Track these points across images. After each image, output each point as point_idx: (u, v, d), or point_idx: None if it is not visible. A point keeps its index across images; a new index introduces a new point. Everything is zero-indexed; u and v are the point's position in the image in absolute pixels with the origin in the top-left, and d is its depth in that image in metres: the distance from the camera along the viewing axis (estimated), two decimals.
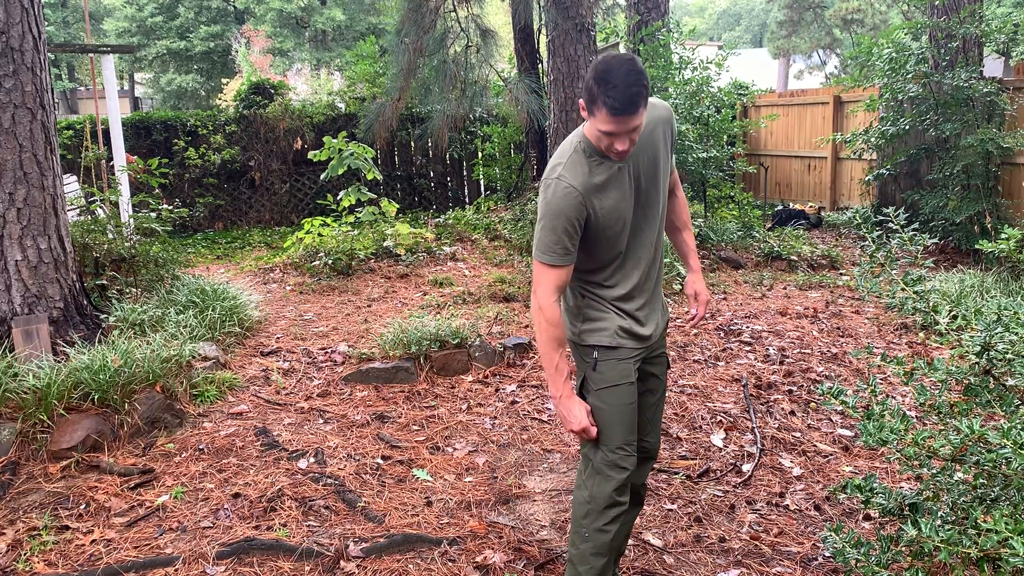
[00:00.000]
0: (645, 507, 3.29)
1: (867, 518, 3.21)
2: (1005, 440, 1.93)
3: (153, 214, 6.41)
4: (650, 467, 2.68)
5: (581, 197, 2.22)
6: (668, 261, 6.85)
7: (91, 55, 9.19)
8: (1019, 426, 1.96)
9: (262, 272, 7.96)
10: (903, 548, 2.06)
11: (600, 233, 2.30)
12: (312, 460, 3.74)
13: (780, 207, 11.23)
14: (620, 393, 2.37)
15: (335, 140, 8.61)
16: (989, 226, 6.98)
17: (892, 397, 4.38)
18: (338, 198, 8.61)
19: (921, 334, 5.52)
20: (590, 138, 2.23)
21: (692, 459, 3.78)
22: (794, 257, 8.02)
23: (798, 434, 4.02)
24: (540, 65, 10.94)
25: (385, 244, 8.11)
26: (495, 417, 4.28)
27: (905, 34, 8.88)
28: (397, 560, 2.92)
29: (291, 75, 21.16)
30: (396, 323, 5.12)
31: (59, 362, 4.06)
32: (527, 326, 5.68)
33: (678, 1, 52.47)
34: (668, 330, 5.62)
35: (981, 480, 2.14)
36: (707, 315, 6.09)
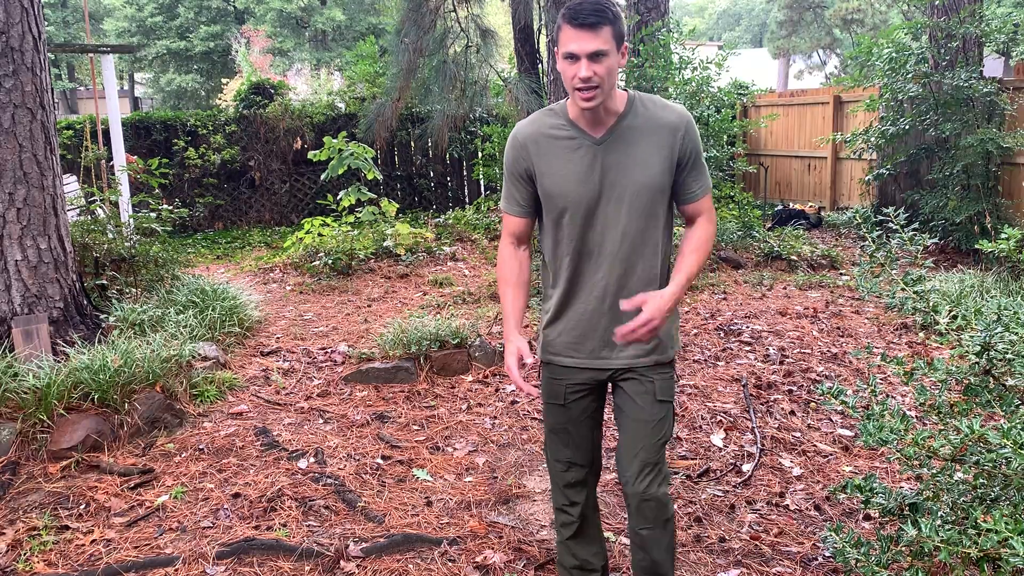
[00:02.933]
0: None
1: (867, 518, 3.21)
2: (1005, 440, 1.93)
3: (153, 214, 6.42)
4: (636, 495, 2.23)
5: (518, 144, 2.19)
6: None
7: (91, 55, 9.18)
8: (1019, 426, 1.96)
9: (262, 272, 7.96)
10: (903, 548, 2.06)
11: (545, 202, 2.21)
12: (312, 460, 3.75)
13: (780, 207, 11.23)
14: (550, 411, 2.35)
15: (335, 140, 8.62)
16: (989, 226, 6.98)
17: (892, 397, 4.38)
18: (338, 198, 8.60)
19: (921, 334, 5.52)
20: (568, 94, 2.10)
21: (692, 459, 3.78)
22: (794, 257, 8.01)
23: (798, 434, 4.02)
24: (540, 65, 10.93)
25: (385, 244, 8.11)
26: (495, 417, 4.28)
27: (905, 34, 8.87)
28: (397, 560, 2.93)
29: (291, 75, 21.13)
30: (396, 323, 5.12)
31: (59, 362, 4.06)
32: (527, 326, 5.68)
33: (678, 1, 52.45)
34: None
35: (981, 480, 2.14)
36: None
